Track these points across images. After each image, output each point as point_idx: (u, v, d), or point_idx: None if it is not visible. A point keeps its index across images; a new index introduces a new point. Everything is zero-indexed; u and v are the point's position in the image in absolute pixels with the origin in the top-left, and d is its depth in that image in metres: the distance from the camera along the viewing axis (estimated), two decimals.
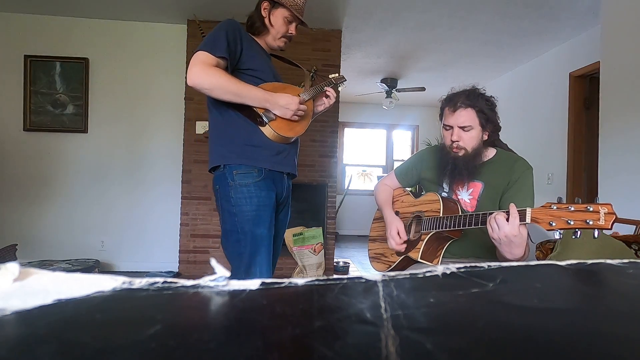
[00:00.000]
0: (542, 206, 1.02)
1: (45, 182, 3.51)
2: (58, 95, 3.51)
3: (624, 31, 2.27)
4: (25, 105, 3.45)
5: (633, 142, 2.17)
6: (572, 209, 0.95)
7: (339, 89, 1.69)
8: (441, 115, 1.43)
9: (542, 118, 3.97)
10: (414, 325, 0.21)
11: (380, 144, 6.88)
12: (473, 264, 0.31)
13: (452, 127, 1.36)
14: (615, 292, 0.30)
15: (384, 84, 5.17)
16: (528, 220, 1.04)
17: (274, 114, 1.36)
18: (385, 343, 0.18)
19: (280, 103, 1.35)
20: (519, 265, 0.32)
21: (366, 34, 3.79)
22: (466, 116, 1.34)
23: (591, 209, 0.92)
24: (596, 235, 0.92)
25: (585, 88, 3.62)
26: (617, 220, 0.92)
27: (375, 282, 0.27)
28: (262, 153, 1.38)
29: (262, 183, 1.37)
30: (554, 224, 0.97)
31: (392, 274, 0.29)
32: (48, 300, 0.22)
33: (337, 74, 1.67)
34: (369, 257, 1.66)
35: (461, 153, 1.36)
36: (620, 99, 2.28)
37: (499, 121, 1.41)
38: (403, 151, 6.98)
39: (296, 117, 1.40)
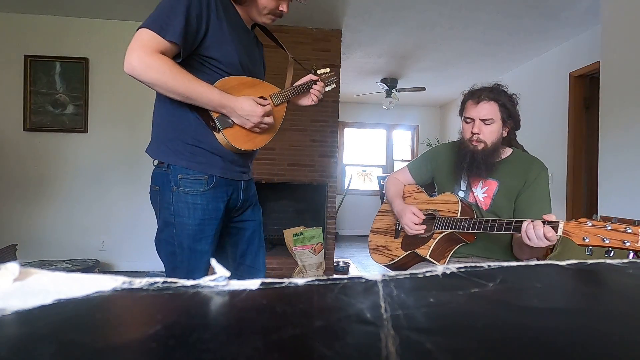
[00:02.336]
0: (576, 220, 1.02)
1: (45, 182, 3.51)
2: (58, 95, 3.51)
3: (624, 31, 2.27)
4: (25, 105, 3.45)
5: (633, 141, 2.17)
6: (610, 227, 0.95)
7: (328, 88, 1.42)
8: (462, 110, 1.43)
9: (542, 118, 3.97)
10: (414, 325, 0.21)
11: (380, 144, 6.88)
12: (473, 264, 0.31)
13: (473, 120, 1.36)
14: (615, 292, 0.30)
15: (384, 84, 5.17)
16: (560, 233, 1.04)
17: (232, 120, 1.12)
18: (385, 343, 0.18)
19: (240, 111, 1.10)
20: (519, 265, 0.32)
21: (366, 34, 3.79)
22: (489, 109, 1.34)
23: (630, 230, 0.92)
24: (631, 257, 0.92)
25: (585, 88, 3.62)
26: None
27: (375, 282, 0.27)
28: (213, 158, 1.15)
29: (209, 193, 1.14)
30: (587, 240, 0.97)
31: (392, 274, 0.29)
32: (48, 300, 0.22)
33: (327, 70, 1.43)
34: (369, 249, 1.65)
35: (480, 147, 1.36)
36: (620, 99, 2.28)
37: (519, 118, 1.41)
38: (403, 151, 6.98)
39: (257, 130, 1.17)
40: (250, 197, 1.33)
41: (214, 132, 1.13)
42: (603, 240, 0.94)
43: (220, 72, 1.12)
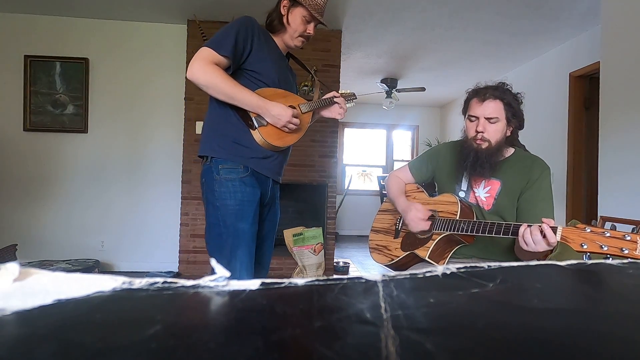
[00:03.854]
0: (575, 226, 1.01)
1: (45, 182, 3.51)
2: (58, 95, 3.51)
3: (624, 31, 2.27)
4: (25, 105, 3.45)
5: (633, 141, 2.17)
6: (608, 234, 0.94)
7: (348, 105, 1.66)
8: (465, 109, 1.42)
9: (542, 118, 3.97)
10: (414, 325, 0.21)
11: (380, 144, 6.88)
12: (473, 264, 0.31)
13: (477, 118, 1.35)
14: (615, 292, 0.30)
15: (384, 84, 5.17)
16: (558, 238, 1.04)
17: (266, 121, 1.37)
18: (385, 343, 0.18)
19: (273, 112, 1.35)
20: (519, 265, 0.32)
21: (366, 34, 3.79)
22: (494, 107, 1.33)
23: (628, 238, 0.91)
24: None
25: (585, 88, 3.62)
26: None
27: (375, 282, 0.27)
28: (249, 153, 1.38)
29: (247, 179, 1.38)
30: (585, 246, 0.96)
31: (392, 274, 0.29)
32: (48, 300, 0.22)
33: (347, 91, 1.69)
34: (370, 248, 1.64)
35: (484, 145, 1.34)
36: (620, 99, 2.28)
37: (524, 118, 1.40)
38: (403, 151, 6.98)
39: (286, 129, 1.40)
40: (275, 198, 1.56)
41: (251, 130, 1.37)
42: (601, 247, 0.94)
43: (260, 83, 1.39)
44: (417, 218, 1.38)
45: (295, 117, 1.39)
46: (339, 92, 1.64)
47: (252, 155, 1.39)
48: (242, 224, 1.36)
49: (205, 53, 1.29)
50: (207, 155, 1.41)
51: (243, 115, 1.37)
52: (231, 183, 1.36)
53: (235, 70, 1.36)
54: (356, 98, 1.71)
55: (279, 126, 1.38)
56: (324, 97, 1.58)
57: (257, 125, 1.36)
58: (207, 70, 1.27)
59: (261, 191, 1.44)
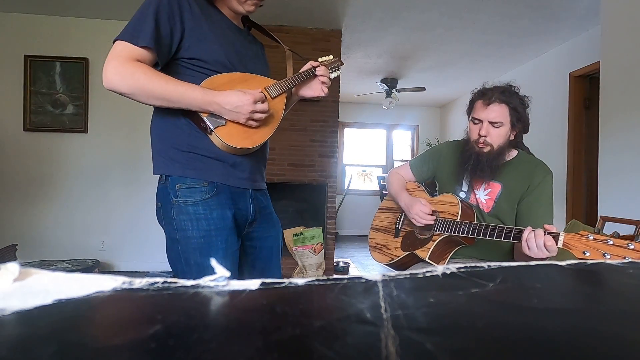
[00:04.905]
0: (577, 233, 1.00)
1: (45, 182, 3.51)
2: (58, 95, 3.51)
3: (624, 31, 2.27)
4: (25, 105, 3.45)
5: (633, 142, 2.17)
6: (611, 242, 0.93)
7: (332, 75, 1.28)
8: (469, 109, 1.40)
9: (542, 118, 3.97)
10: (414, 325, 0.21)
11: (380, 144, 6.88)
12: (473, 264, 0.31)
13: (481, 122, 1.33)
14: (615, 292, 0.30)
15: (384, 84, 5.18)
16: (560, 245, 1.03)
17: (224, 119, 1.03)
18: (385, 343, 0.18)
19: (227, 105, 1.00)
20: (519, 265, 0.32)
21: (366, 34, 3.79)
22: (499, 112, 1.30)
23: (632, 247, 0.90)
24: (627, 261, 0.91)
25: (585, 88, 3.62)
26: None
27: (375, 282, 0.27)
28: (211, 164, 1.06)
29: (213, 201, 1.06)
30: (588, 254, 0.96)
31: (392, 274, 0.29)
32: (48, 300, 0.22)
33: (329, 56, 1.30)
34: (369, 246, 1.63)
35: (486, 149, 1.33)
36: (620, 99, 2.28)
37: (529, 122, 1.38)
38: (403, 151, 6.98)
39: (253, 122, 1.05)
40: (264, 208, 1.22)
41: (208, 135, 1.05)
42: (604, 255, 0.93)
43: (208, 72, 1.05)
44: (422, 212, 1.35)
45: (260, 101, 1.04)
46: (319, 60, 1.27)
47: (217, 165, 1.07)
48: (210, 262, 1.03)
49: (118, 49, 0.96)
50: (161, 174, 1.09)
51: (192, 117, 1.05)
52: (192, 208, 1.04)
53: (168, 63, 1.03)
54: (342, 64, 1.33)
55: (241, 121, 1.04)
56: (300, 72, 1.22)
57: (212, 127, 1.02)
58: (124, 71, 0.94)
59: (239, 209, 1.12)
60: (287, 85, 1.16)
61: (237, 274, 1.13)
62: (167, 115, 1.07)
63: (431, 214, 1.36)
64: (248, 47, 1.18)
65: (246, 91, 1.03)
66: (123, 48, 0.96)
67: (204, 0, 1.09)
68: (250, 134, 1.08)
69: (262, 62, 1.23)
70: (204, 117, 1.02)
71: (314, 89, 1.24)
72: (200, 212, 1.05)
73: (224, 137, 1.03)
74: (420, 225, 1.39)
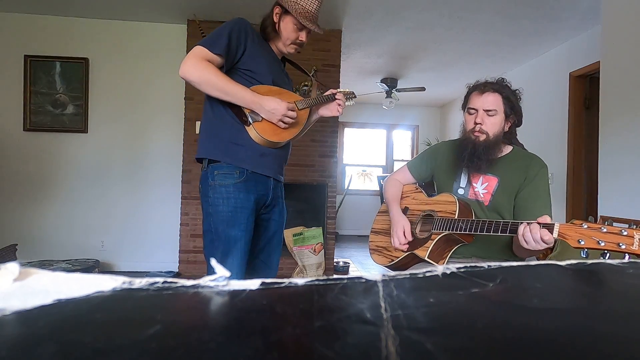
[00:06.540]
0: (571, 223, 1.01)
1: (45, 182, 3.51)
2: (58, 95, 3.51)
3: (624, 31, 2.27)
4: (25, 105, 3.45)
5: (633, 142, 2.17)
6: (605, 230, 0.94)
7: (347, 103, 1.63)
8: (465, 103, 1.45)
9: (542, 118, 3.97)
10: (414, 325, 0.21)
11: (380, 144, 6.88)
12: (473, 264, 0.31)
13: (476, 111, 1.38)
14: (615, 292, 0.30)
15: (384, 84, 5.17)
16: (555, 235, 1.04)
17: (261, 117, 1.35)
18: (385, 343, 0.18)
19: (267, 107, 1.33)
20: (519, 265, 0.32)
21: (366, 34, 3.79)
22: (493, 100, 1.36)
23: (625, 233, 0.91)
24: (626, 259, 0.92)
25: (585, 88, 3.62)
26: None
27: (375, 282, 0.27)
28: (245, 152, 1.36)
29: (241, 185, 1.36)
30: (582, 242, 0.96)
31: (392, 274, 0.29)
32: (48, 300, 0.22)
33: (347, 89, 1.66)
34: (370, 249, 1.64)
35: (482, 138, 1.36)
36: (620, 99, 2.28)
37: (522, 114, 1.42)
38: (403, 151, 6.98)
39: (283, 124, 1.38)
40: (279, 197, 1.53)
41: (246, 127, 1.36)
42: (598, 242, 0.93)
43: (254, 81, 1.38)
44: (398, 237, 1.42)
45: (291, 109, 1.37)
46: (339, 90, 1.62)
47: (249, 154, 1.37)
48: (234, 231, 1.35)
49: (198, 50, 1.29)
50: (204, 159, 1.39)
51: (237, 112, 1.36)
52: (225, 189, 1.34)
53: (230, 69, 1.36)
54: (355, 97, 1.68)
55: (274, 121, 1.36)
56: (323, 94, 1.57)
57: (251, 121, 1.34)
58: (200, 66, 1.26)
59: (262, 193, 1.42)
60: (311, 102, 1.51)
61: (250, 244, 1.41)
62: (215, 113, 1.39)
63: (406, 243, 1.42)
64: (282, 71, 1.55)
65: (282, 100, 1.36)
66: (201, 51, 1.29)
67: (262, 37, 1.49)
68: (279, 132, 1.40)
69: (289, 85, 1.59)
70: (247, 112, 1.34)
71: (331, 109, 1.59)
72: (231, 192, 1.35)
73: (259, 130, 1.35)
74: (394, 246, 1.44)
